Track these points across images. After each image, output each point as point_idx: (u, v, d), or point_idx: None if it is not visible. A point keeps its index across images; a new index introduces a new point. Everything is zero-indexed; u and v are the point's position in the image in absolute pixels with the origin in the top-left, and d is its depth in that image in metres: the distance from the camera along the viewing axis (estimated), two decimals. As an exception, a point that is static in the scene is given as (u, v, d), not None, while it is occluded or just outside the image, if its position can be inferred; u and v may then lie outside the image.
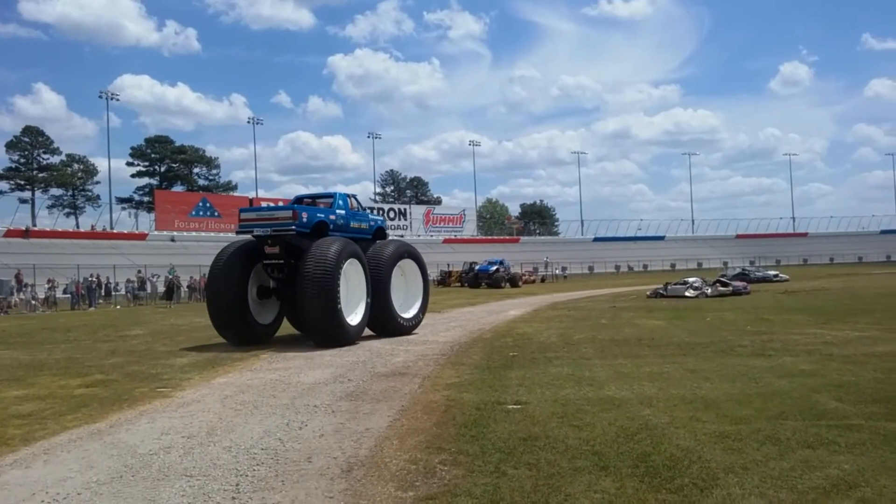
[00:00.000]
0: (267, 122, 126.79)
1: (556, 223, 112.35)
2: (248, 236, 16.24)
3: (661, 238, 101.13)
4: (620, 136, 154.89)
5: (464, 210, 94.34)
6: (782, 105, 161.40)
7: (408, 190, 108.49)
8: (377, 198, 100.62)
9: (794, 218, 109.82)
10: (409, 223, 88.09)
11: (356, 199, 18.67)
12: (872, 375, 9.52)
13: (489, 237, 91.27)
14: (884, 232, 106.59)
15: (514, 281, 50.16)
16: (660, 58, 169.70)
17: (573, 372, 10.60)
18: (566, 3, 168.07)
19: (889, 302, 24.76)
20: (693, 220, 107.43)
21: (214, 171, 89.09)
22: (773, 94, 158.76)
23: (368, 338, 16.36)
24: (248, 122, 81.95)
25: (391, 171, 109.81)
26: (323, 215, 16.50)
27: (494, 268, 50.03)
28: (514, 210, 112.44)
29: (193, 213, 70.29)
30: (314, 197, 18.33)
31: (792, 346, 12.85)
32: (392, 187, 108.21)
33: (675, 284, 33.32)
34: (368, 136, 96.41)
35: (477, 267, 51.44)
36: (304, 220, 15.76)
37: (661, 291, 32.73)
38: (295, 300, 15.47)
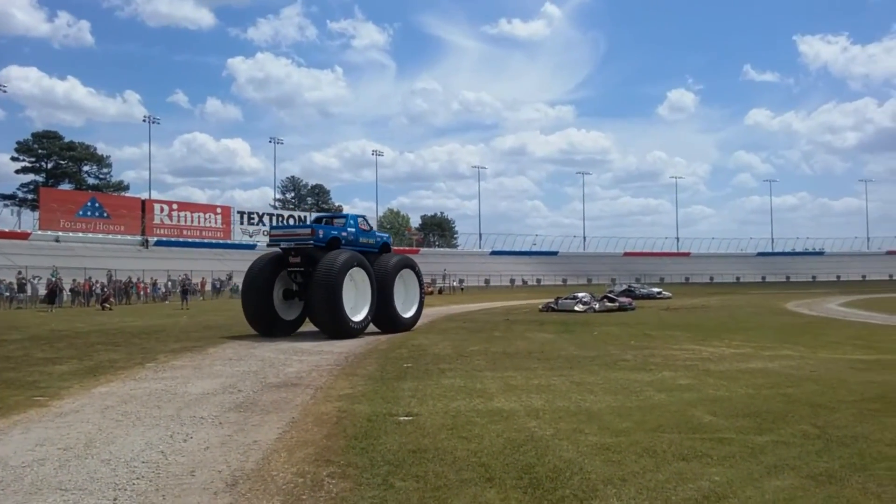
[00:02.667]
0: (162, 121, 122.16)
1: (456, 235, 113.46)
2: (277, 249, 20.21)
3: (555, 253, 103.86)
4: (518, 153, 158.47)
5: (364, 218, 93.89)
6: (669, 130, 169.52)
7: (309, 197, 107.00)
8: (277, 204, 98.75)
9: (678, 238, 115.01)
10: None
11: (366, 220, 22.54)
12: (744, 391, 10.09)
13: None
14: (760, 254, 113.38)
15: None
16: (557, 79, 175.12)
17: (465, 384, 10.76)
18: (468, 21, 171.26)
19: (762, 321, 26.39)
20: (584, 237, 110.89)
21: (105, 170, 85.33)
22: (660, 118, 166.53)
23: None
24: (144, 120, 78.56)
25: (292, 177, 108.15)
26: (336, 232, 20.19)
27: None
28: (415, 221, 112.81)
29: (81, 213, 66.82)
30: (331, 217, 23.08)
31: (672, 361, 13.49)
32: (293, 194, 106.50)
33: (566, 299, 34.33)
34: (270, 141, 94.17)
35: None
36: (321, 236, 19.58)
37: (552, 306, 33.66)
38: (309, 300, 18.91)
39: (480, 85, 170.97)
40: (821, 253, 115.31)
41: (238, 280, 57.55)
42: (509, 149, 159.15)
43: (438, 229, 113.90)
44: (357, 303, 19.27)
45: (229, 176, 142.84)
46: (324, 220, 22.47)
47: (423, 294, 23.03)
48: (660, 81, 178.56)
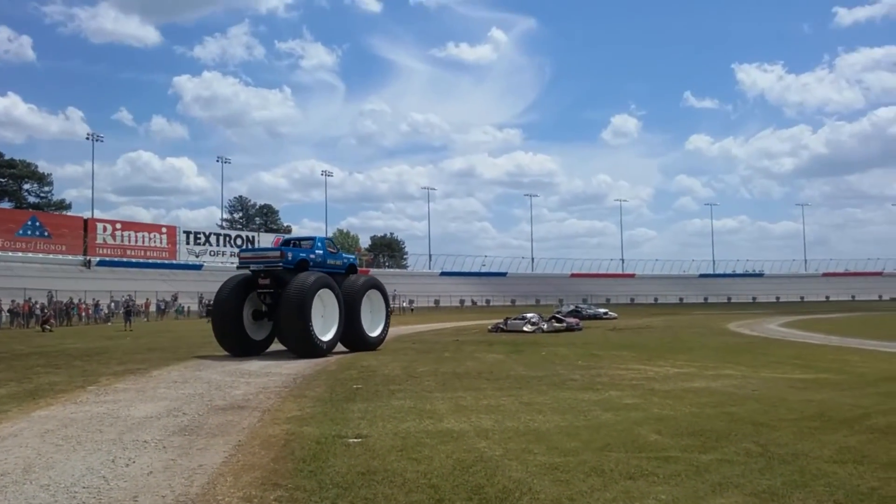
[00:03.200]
0: (106, 139, 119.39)
1: (405, 256, 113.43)
2: (246, 271, 20.49)
3: (504, 274, 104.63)
4: (466, 175, 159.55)
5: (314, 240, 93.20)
6: (613, 154, 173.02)
7: (257, 217, 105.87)
8: (224, 224, 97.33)
9: (622, 260, 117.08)
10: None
11: (332, 242, 23.66)
12: (689, 409, 10.27)
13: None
14: (702, 276, 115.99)
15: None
16: (504, 102, 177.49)
17: (415, 405, 10.73)
18: (416, 44, 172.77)
19: (705, 341, 26.95)
20: (532, 259, 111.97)
21: (46, 189, 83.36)
22: (605, 143, 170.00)
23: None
24: (87, 138, 76.88)
25: (240, 197, 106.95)
26: (304, 254, 20.70)
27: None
28: (365, 242, 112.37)
29: (21, 232, 65.02)
30: (298, 240, 23.14)
31: (618, 381, 13.68)
32: (241, 214, 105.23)
33: (515, 319, 34.54)
34: (217, 160, 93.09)
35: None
36: (290, 258, 20.01)
37: (501, 326, 33.82)
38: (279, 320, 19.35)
39: (429, 107, 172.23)
40: (760, 275, 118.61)
41: (183, 301, 56.78)
42: (458, 171, 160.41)
43: (388, 250, 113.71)
44: (325, 323, 19.69)
45: (175, 195, 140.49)
46: (291, 242, 23.09)
47: (389, 313, 23.57)
48: (604, 107, 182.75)
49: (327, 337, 19.59)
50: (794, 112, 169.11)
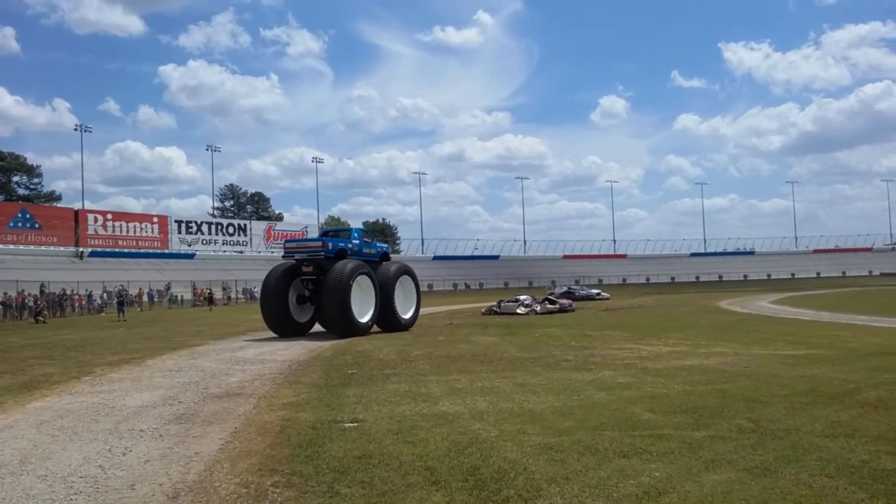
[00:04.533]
0: (94, 130, 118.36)
1: (398, 241, 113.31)
2: (291, 260, 22.57)
3: (496, 257, 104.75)
4: (456, 159, 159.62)
5: (305, 227, 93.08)
6: (603, 135, 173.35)
7: (248, 205, 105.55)
8: (216, 212, 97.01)
9: (614, 240, 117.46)
10: (249, 239, 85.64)
11: (367, 232, 25.43)
12: (681, 387, 10.35)
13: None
14: (693, 255, 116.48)
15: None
16: (493, 86, 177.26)
17: (410, 388, 10.78)
18: (403, 28, 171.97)
19: (697, 319, 27.09)
20: (525, 241, 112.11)
21: (36, 181, 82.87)
22: (594, 124, 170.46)
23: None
24: (75, 129, 76.42)
25: (231, 185, 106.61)
26: (343, 244, 22.73)
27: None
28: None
29: (11, 224, 64.67)
30: (337, 230, 25.52)
31: (611, 361, 13.76)
32: (232, 202, 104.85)
33: (508, 302, 34.61)
34: (207, 149, 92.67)
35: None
36: (330, 248, 22.15)
37: (494, 309, 33.88)
38: (321, 304, 21.45)
39: (417, 92, 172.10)
40: (751, 252, 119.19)
41: (176, 290, 56.64)
42: (448, 155, 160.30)
43: (381, 235, 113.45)
44: (363, 306, 21.60)
45: (164, 185, 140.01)
46: (330, 233, 25.30)
47: (419, 297, 25.39)
48: (592, 88, 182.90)
49: (365, 319, 21.56)
50: (781, 90, 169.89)
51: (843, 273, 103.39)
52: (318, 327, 22.98)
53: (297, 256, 22.48)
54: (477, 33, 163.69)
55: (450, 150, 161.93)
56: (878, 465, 6.06)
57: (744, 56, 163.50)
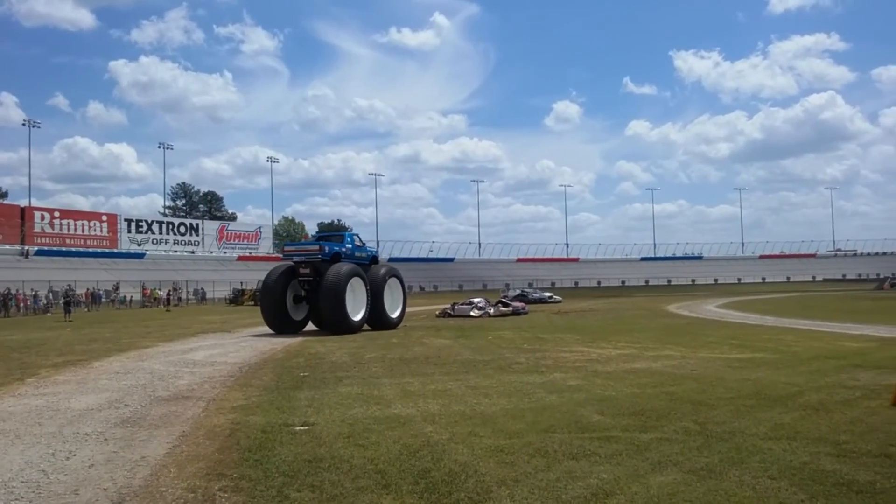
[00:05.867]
0: (42, 125, 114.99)
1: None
2: (289, 262, 24.56)
3: (451, 260, 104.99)
4: (412, 161, 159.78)
5: (260, 227, 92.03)
6: (557, 140, 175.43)
7: (201, 204, 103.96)
8: (167, 212, 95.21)
9: (567, 244, 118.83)
10: (201, 239, 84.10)
11: (358, 237, 26.92)
12: (630, 390, 10.51)
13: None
14: (643, 259, 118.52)
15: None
16: (449, 88, 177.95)
17: (362, 391, 10.75)
18: (359, 28, 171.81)
19: (646, 323, 27.54)
20: (479, 244, 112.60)
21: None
22: (548, 129, 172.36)
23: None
24: (23, 124, 74.51)
25: (183, 183, 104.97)
26: (338, 248, 24.49)
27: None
28: (312, 228, 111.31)
29: (-46, 222, 62.56)
30: (329, 234, 27.29)
31: (562, 363, 13.91)
32: (184, 201, 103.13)
33: (462, 304, 34.73)
34: (159, 147, 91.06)
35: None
36: (326, 251, 23.96)
37: (448, 311, 33.96)
38: (317, 304, 23.11)
39: (373, 93, 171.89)
40: (699, 257, 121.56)
41: (125, 290, 55.47)
42: (403, 156, 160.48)
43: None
44: (356, 306, 23.24)
45: (114, 182, 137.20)
46: (325, 237, 27.26)
47: (405, 298, 27.15)
48: (546, 93, 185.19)
49: (357, 317, 23.27)
50: (730, 98, 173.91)
51: (788, 278, 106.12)
52: (311, 326, 24.54)
53: (295, 259, 24.29)
54: (433, 35, 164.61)
55: (405, 152, 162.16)
56: (818, 466, 6.23)
57: (694, 64, 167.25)
